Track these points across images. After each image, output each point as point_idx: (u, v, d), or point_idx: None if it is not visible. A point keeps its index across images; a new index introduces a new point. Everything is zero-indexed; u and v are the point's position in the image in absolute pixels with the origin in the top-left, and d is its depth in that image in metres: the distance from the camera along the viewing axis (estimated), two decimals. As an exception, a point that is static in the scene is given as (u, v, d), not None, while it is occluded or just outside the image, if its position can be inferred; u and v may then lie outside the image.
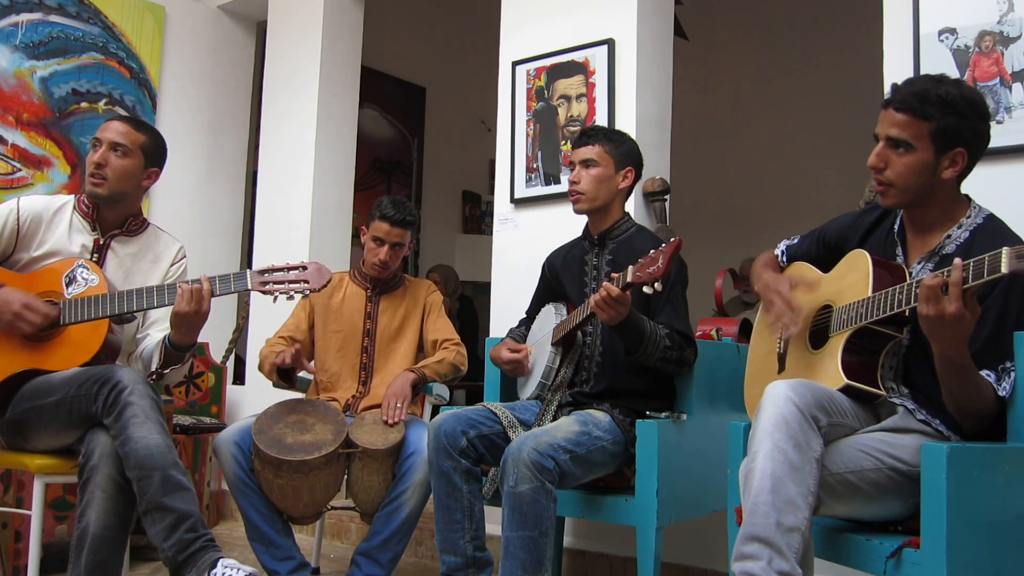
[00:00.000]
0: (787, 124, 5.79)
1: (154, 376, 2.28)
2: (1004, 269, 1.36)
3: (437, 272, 5.78)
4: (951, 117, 1.64)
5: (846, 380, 1.66)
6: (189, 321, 2.15)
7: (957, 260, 1.46)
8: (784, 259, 2.06)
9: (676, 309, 2.23)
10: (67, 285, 2.20)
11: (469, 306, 5.89)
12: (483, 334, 4.85)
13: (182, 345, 2.22)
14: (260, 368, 2.73)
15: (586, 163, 2.34)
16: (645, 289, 1.93)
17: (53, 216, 2.31)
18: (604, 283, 2.04)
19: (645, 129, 2.93)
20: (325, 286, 2.18)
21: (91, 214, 2.34)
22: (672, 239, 1.93)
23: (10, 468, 2.69)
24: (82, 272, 2.21)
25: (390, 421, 2.48)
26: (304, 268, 2.17)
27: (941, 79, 1.69)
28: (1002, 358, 1.61)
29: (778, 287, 1.87)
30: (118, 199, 2.33)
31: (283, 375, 2.64)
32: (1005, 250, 1.37)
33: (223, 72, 4.44)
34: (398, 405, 2.51)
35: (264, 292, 2.15)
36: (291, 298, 2.16)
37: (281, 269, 2.17)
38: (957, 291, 1.45)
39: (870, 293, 1.67)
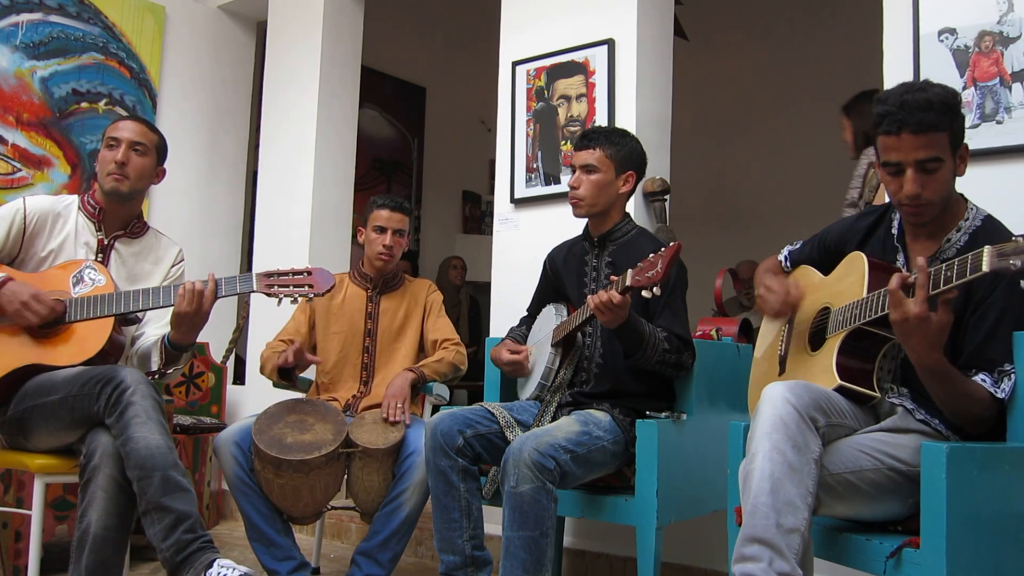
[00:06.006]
0: (787, 124, 5.79)
1: (156, 375, 2.28)
2: (985, 267, 1.36)
3: (457, 259, 5.97)
4: (956, 119, 1.62)
5: (840, 381, 1.66)
6: (190, 321, 2.15)
7: (920, 261, 1.46)
8: (788, 264, 2.06)
9: (675, 313, 2.23)
10: (74, 285, 2.22)
11: (476, 306, 5.95)
12: (483, 334, 4.85)
13: (181, 345, 2.23)
14: (261, 370, 2.74)
15: (586, 168, 2.31)
16: (644, 293, 1.93)
17: (59, 216, 2.32)
18: (602, 291, 2.03)
19: (645, 129, 2.93)
20: (329, 291, 2.19)
21: (97, 215, 2.35)
22: (672, 243, 1.93)
23: (10, 468, 2.69)
24: (89, 273, 2.23)
25: (391, 420, 2.48)
26: (309, 273, 2.18)
27: (921, 87, 1.64)
28: (1000, 360, 1.60)
29: (774, 285, 1.92)
30: (134, 196, 2.38)
31: (284, 375, 2.65)
32: (987, 248, 1.36)
33: (223, 72, 4.44)
34: (398, 405, 2.52)
35: (269, 295, 2.15)
36: (295, 301, 2.17)
37: (286, 273, 2.17)
38: (923, 294, 1.45)
39: (865, 295, 1.67)
